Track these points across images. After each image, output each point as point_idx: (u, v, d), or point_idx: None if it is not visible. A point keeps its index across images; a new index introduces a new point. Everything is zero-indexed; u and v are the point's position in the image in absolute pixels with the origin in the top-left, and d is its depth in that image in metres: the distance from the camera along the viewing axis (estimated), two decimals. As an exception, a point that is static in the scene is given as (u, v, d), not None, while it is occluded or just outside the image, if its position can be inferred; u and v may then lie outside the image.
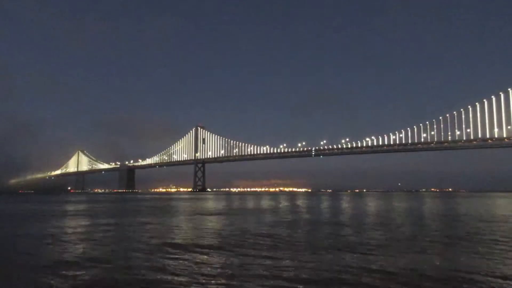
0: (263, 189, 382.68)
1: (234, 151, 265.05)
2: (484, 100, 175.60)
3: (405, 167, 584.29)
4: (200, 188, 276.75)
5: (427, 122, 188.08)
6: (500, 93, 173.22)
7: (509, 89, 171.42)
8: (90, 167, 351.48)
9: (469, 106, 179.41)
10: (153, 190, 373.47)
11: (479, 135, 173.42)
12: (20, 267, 12.91)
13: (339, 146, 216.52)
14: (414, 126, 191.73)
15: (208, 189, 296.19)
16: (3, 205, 68.74)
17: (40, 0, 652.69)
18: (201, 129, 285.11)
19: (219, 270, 12.24)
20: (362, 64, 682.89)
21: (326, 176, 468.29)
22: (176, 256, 14.63)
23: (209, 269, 12.39)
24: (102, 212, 45.05)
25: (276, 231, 23.19)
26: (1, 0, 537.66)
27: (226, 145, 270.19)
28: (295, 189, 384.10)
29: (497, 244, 17.39)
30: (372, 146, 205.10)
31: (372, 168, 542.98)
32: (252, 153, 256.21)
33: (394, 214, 40.06)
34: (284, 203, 70.95)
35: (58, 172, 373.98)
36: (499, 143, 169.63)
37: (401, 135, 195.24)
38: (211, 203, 71.19)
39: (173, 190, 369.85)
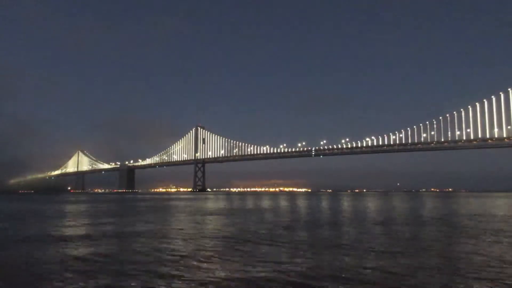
0: (263, 189, 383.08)
1: (234, 151, 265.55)
2: (484, 100, 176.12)
3: (405, 167, 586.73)
4: (200, 188, 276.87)
5: (427, 122, 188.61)
6: (500, 93, 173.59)
7: (509, 89, 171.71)
8: (90, 167, 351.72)
9: (469, 106, 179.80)
10: (153, 190, 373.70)
11: (479, 135, 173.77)
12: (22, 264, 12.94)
13: (339, 146, 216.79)
14: (414, 126, 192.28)
15: (208, 189, 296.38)
16: (3, 205, 68.73)
17: (40, 0, 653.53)
18: (201, 129, 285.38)
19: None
20: (362, 64, 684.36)
21: (326, 176, 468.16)
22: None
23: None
24: (102, 212, 45.06)
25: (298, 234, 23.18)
26: (2, 1, 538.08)
27: (226, 145, 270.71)
28: (295, 189, 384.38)
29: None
30: (372, 146, 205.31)
31: (372, 168, 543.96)
32: (252, 153, 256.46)
33: (394, 214, 40.08)
34: (291, 203, 70.95)
35: (58, 172, 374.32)
36: (499, 143, 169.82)
37: (401, 135, 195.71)
38: (214, 203, 71.17)
39: (173, 190, 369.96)
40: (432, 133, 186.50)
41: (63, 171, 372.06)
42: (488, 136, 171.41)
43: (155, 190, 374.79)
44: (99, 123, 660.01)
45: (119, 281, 10.88)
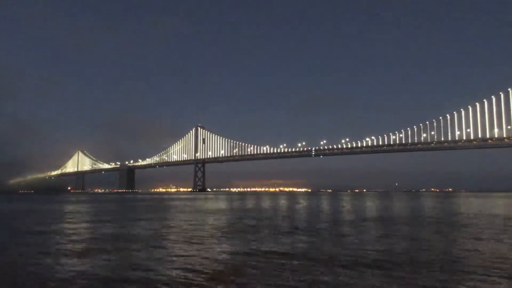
0: (263, 189, 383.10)
1: (234, 151, 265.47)
2: (484, 100, 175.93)
3: (405, 167, 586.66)
4: (200, 188, 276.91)
5: (427, 122, 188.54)
6: (500, 93, 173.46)
7: (509, 89, 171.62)
8: (90, 167, 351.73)
9: (469, 106, 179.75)
10: (153, 190, 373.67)
11: (479, 135, 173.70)
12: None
13: (339, 146, 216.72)
14: (414, 126, 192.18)
15: (208, 189, 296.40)
16: (3, 205, 68.77)
17: (40, 0, 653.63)
18: (201, 129, 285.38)
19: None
20: (362, 64, 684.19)
21: (326, 176, 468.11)
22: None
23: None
24: (102, 212, 45.08)
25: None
26: (2, 1, 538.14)
27: (226, 145, 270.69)
28: (295, 189, 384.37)
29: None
30: (372, 146, 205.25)
31: (372, 168, 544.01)
32: (252, 153, 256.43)
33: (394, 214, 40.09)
34: (298, 204, 70.94)
35: (58, 172, 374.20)
36: (499, 143, 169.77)
37: (401, 135, 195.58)
38: (214, 204, 71.17)
39: (173, 190, 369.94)
40: (432, 133, 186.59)
41: (63, 171, 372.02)
42: (488, 136, 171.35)
43: (155, 190, 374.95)
44: (99, 123, 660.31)
45: (118, 280, 10.90)
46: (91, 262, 13.60)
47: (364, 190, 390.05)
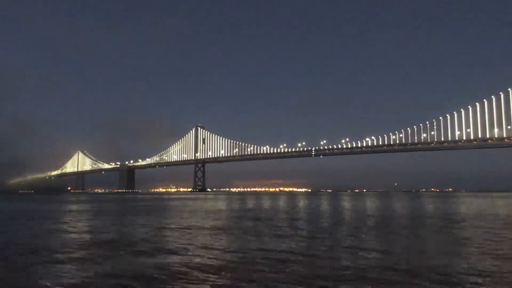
0: (263, 189, 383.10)
1: (234, 151, 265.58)
2: (484, 100, 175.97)
3: (405, 167, 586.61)
4: (200, 188, 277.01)
5: (427, 122, 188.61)
6: (500, 93, 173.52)
7: (509, 89, 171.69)
8: (90, 167, 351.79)
9: (469, 106, 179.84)
10: (153, 190, 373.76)
11: (479, 135, 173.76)
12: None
13: (339, 146, 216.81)
14: (414, 126, 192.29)
15: (208, 189, 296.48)
16: (3, 205, 68.78)
17: (40, 0, 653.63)
18: (201, 129, 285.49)
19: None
20: (362, 64, 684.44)
21: (326, 176, 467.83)
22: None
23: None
24: (102, 212, 45.08)
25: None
26: (2, 1, 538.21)
27: (226, 145, 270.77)
28: (295, 189, 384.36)
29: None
30: (372, 146, 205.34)
31: (372, 168, 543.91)
32: (252, 153, 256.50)
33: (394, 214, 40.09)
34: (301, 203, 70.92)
35: (58, 172, 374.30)
36: (499, 143, 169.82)
37: (401, 135, 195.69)
38: (214, 204, 71.16)
39: (173, 190, 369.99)
40: (432, 133, 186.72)
41: (63, 171, 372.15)
42: (488, 136, 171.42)
43: (155, 190, 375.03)
44: (99, 123, 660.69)
45: (118, 280, 10.91)
46: (92, 263, 13.60)
47: (364, 190, 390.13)
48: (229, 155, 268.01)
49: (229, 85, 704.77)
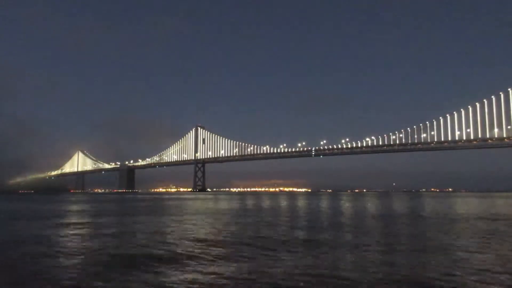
0: (263, 189, 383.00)
1: (234, 151, 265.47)
2: (484, 100, 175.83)
3: (405, 167, 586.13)
4: (200, 188, 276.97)
5: (427, 122, 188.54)
6: (500, 93, 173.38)
7: (509, 89, 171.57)
8: (90, 167, 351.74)
9: (469, 106, 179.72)
10: (153, 190, 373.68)
11: (479, 135, 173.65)
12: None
13: (339, 146, 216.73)
14: (414, 126, 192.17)
15: (208, 189, 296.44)
16: (3, 205, 68.79)
17: (41, 0, 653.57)
18: (201, 129, 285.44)
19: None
20: (362, 64, 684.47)
21: (326, 176, 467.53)
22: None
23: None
24: (102, 212, 45.07)
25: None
26: (2, 1, 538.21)
27: (226, 145, 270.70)
28: (295, 189, 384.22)
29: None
30: (372, 146, 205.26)
31: (372, 168, 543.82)
32: (252, 153, 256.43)
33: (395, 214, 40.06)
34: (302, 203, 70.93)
35: (58, 172, 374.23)
36: (499, 143, 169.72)
37: (401, 135, 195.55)
38: (214, 204, 71.15)
39: (173, 190, 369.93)
40: (432, 133, 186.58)
41: (63, 171, 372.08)
42: (488, 136, 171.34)
43: (155, 190, 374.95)
44: (99, 123, 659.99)
45: (117, 279, 10.91)
46: (92, 263, 13.62)
47: (364, 190, 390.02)
48: (229, 155, 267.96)
49: (229, 85, 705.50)
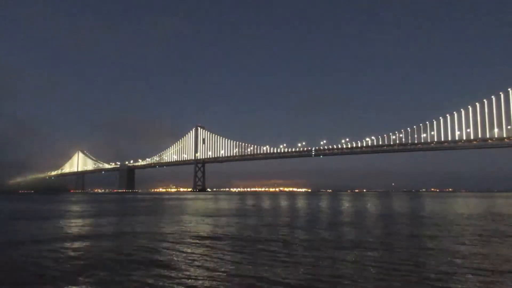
0: (263, 189, 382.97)
1: (234, 151, 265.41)
2: (484, 100, 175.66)
3: (405, 167, 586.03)
4: (200, 188, 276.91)
5: (427, 122, 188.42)
6: (500, 93, 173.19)
7: (509, 89, 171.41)
8: (90, 167, 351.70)
9: (469, 106, 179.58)
10: (153, 190, 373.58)
11: (479, 135, 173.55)
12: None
13: (339, 146, 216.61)
14: (414, 126, 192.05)
15: (208, 189, 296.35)
16: (3, 205, 68.78)
17: (41, 0, 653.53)
18: (201, 129, 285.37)
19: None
20: (362, 64, 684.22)
21: (326, 176, 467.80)
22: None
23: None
24: (102, 212, 45.06)
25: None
26: (2, 1, 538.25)
27: (226, 145, 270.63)
28: (295, 189, 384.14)
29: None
30: (372, 146, 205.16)
31: (372, 168, 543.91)
32: (252, 153, 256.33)
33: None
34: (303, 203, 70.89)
35: (58, 172, 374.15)
36: (499, 143, 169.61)
37: (401, 135, 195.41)
38: (214, 203, 71.15)
39: (173, 190, 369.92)
40: (432, 133, 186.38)
41: (63, 171, 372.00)
42: (488, 136, 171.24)
43: (155, 190, 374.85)
44: (99, 123, 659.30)
45: (116, 278, 10.92)
46: (92, 263, 13.62)
47: (364, 190, 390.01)
48: (229, 155, 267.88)
49: (229, 85, 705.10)
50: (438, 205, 60.81)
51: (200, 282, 10.71)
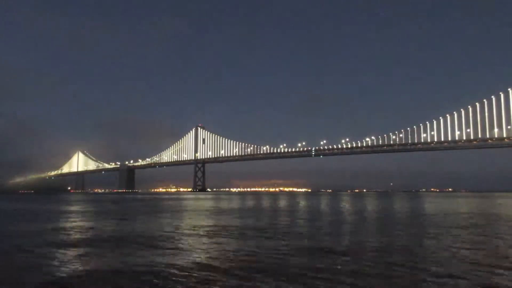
0: (263, 189, 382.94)
1: (234, 151, 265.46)
2: (484, 100, 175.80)
3: (405, 167, 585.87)
4: (200, 188, 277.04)
5: (427, 122, 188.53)
6: (500, 93, 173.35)
7: (509, 89, 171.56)
8: (90, 167, 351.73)
9: (469, 106, 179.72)
10: (153, 190, 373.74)
11: (479, 135, 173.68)
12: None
13: (339, 146, 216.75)
14: (414, 126, 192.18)
15: (208, 189, 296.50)
16: (3, 205, 68.76)
17: (41, 1, 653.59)
18: (201, 129, 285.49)
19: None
20: (362, 64, 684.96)
21: (326, 176, 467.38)
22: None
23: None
24: (102, 212, 45.05)
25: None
26: (2, 1, 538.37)
27: (226, 145, 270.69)
28: (295, 189, 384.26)
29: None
30: (372, 146, 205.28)
31: (372, 168, 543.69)
32: (252, 153, 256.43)
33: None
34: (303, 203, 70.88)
35: (58, 172, 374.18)
36: (499, 143, 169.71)
37: (401, 135, 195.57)
38: (214, 203, 71.15)
39: (173, 190, 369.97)
40: (432, 133, 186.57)
41: (63, 171, 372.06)
42: (488, 136, 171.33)
43: (155, 190, 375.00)
44: (99, 123, 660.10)
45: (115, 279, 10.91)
46: (93, 264, 13.61)
47: (364, 190, 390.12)
48: (229, 155, 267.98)
49: (229, 85, 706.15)
50: (438, 205, 60.80)
51: (200, 282, 10.71)
